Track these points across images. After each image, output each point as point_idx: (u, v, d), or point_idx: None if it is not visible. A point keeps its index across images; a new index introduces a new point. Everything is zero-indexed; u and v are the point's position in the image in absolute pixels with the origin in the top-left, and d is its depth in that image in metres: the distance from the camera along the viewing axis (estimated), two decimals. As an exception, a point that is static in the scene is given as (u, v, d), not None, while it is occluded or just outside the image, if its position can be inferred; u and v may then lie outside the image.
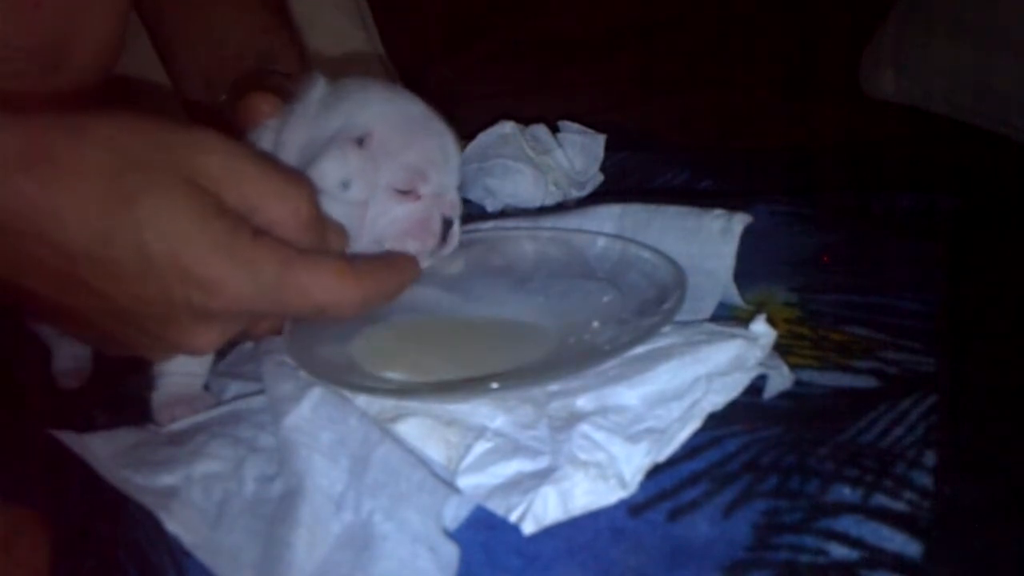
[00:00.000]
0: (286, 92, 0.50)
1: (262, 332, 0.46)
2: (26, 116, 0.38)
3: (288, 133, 0.47)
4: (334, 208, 0.46)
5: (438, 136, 0.48)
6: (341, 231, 0.45)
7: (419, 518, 0.37)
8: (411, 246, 0.48)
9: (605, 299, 0.49)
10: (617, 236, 0.53)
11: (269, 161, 0.43)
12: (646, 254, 0.50)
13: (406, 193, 0.47)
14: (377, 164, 0.46)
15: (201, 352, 0.43)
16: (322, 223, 0.43)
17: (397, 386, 0.44)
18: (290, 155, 0.47)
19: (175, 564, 0.38)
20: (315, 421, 0.40)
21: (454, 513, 0.38)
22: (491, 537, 0.37)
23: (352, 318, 0.46)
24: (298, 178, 0.43)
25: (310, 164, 0.45)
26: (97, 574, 0.39)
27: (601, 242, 0.53)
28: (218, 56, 0.63)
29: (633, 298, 0.48)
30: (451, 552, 0.36)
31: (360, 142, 0.46)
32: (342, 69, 0.50)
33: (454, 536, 0.37)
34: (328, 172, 0.45)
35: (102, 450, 0.41)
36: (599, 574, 0.36)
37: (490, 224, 0.58)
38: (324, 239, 0.44)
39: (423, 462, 0.39)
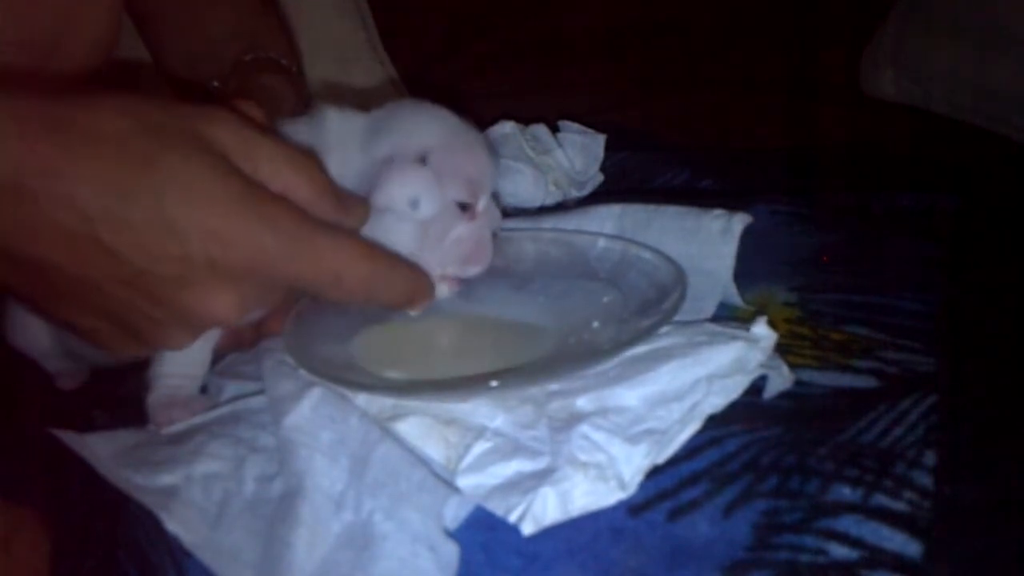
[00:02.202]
0: (277, 95, 0.50)
1: (270, 319, 0.46)
2: (38, 90, 0.38)
3: (334, 167, 0.46)
4: (401, 229, 0.46)
5: (485, 149, 0.49)
6: (360, 205, 0.45)
7: (419, 518, 0.37)
8: (471, 271, 0.48)
9: (605, 299, 0.49)
10: (617, 237, 0.53)
11: (277, 135, 0.43)
12: (646, 254, 0.50)
13: (465, 208, 0.47)
14: (441, 180, 0.46)
15: (221, 320, 0.40)
16: (337, 194, 0.43)
17: (397, 384, 0.44)
18: (346, 178, 0.46)
19: (175, 564, 0.38)
20: (315, 421, 0.40)
21: (454, 513, 0.38)
22: (491, 537, 0.37)
23: (355, 308, 0.46)
24: (307, 152, 0.44)
25: (374, 188, 0.45)
26: (97, 574, 0.39)
27: (601, 243, 0.53)
28: (204, 37, 0.63)
29: (633, 298, 0.48)
30: (451, 552, 0.36)
31: (423, 160, 0.46)
32: (357, 98, 0.50)
33: (454, 536, 0.37)
34: (395, 192, 0.45)
35: (102, 450, 0.41)
36: (599, 574, 0.36)
37: None
38: (340, 211, 0.43)
39: (423, 461, 0.39)
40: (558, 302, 0.51)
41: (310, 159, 0.42)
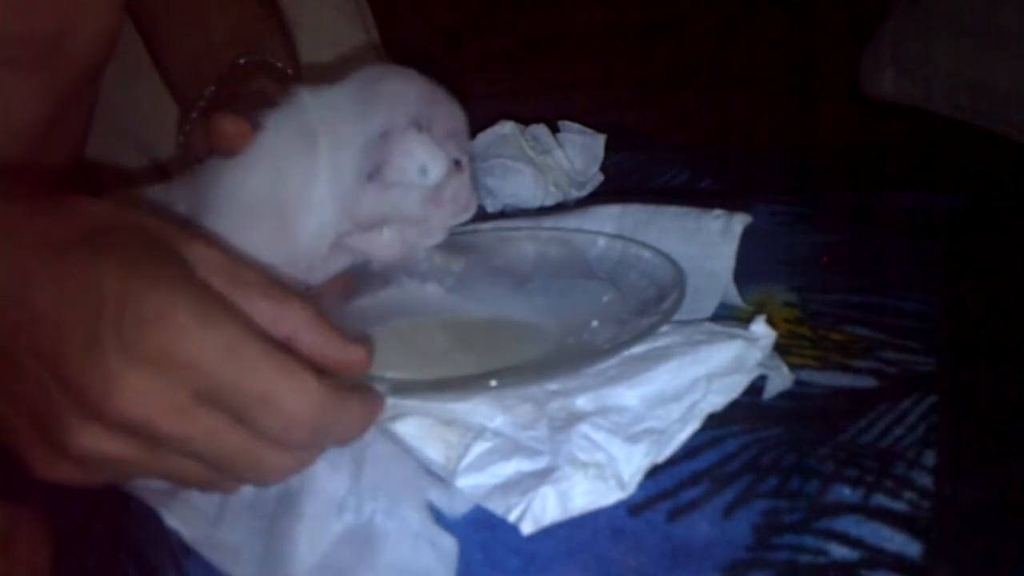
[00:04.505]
0: (268, 100, 0.50)
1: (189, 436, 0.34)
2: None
3: (329, 150, 0.47)
4: (408, 198, 0.47)
5: (457, 104, 0.49)
6: (363, 346, 0.39)
7: (417, 516, 0.37)
8: (463, 216, 0.49)
9: (605, 299, 0.49)
10: (618, 236, 0.53)
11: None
12: (646, 254, 0.50)
13: (458, 164, 0.48)
14: (439, 142, 0.47)
15: (121, 413, 0.32)
16: (333, 332, 0.38)
17: (396, 384, 0.44)
18: (345, 161, 0.47)
19: (175, 564, 0.38)
20: None
21: (448, 503, 0.38)
22: (490, 537, 0.37)
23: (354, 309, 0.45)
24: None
25: (381, 165, 0.46)
26: (97, 574, 0.39)
27: (601, 242, 0.53)
28: (205, 44, 0.62)
29: (633, 298, 0.48)
30: (451, 545, 0.36)
31: (418, 127, 0.47)
32: (339, 71, 0.50)
33: (453, 531, 0.37)
34: (403, 164, 0.46)
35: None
36: (599, 574, 0.36)
37: (490, 224, 0.58)
38: (339, 347, 0.38)
39: (410, 455, 0.39)
40: (557, 302, 0.51)
41: (302, 293, 0.40)
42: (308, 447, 0.36)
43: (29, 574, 0.39)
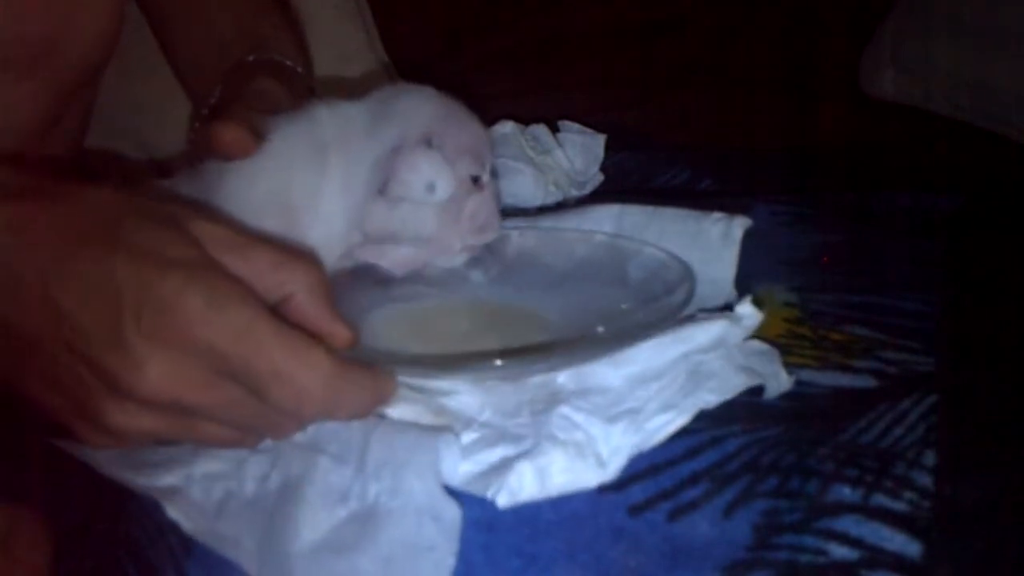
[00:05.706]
0: (271, 98, 0.50)
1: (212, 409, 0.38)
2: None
3: (339, 163, 0.47)
4: (419, 215, 0.47)
5: (477, 120, 0.50)
6: (350, 331, 0.41)
7: (421, 486, 0.37)
8: (486, 238, 0.49)
9: (624, 307, 0.49)
10: (666, 251, 0.51)
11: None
12: (675, 266, 0.49)
13: (476, 180, 0.48)
14: (450, 159, 0.47)
15: (148, 392, 0.36)
16: (332, 306, 0.41)
17: (386, 355, 0.44)
18: (356, 174, 0.47)
19: (175, 564, 0.38)
20: (321, 432, 0.40)
21: (453, 463, 0.38)
22: (491, 538, 0.37)
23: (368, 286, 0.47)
24: (308, 251, 0.43)
25: (388, 179, 0.46)
26: (97, 574, 0.39)
27: (647, 251, 0.52)
28: (210, 41, 0.63)
29: (646, 310, 0.48)
30: (454, 516, 0.36)
31: (428, 143, 0.47)
32: (351, 86, 0.51)
33: (455, 496, 0.37)
34: (410, 180, 0.46)
35: (102, 454, 0.41)
36: (599, 574, 0.36)
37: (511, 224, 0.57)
38: (331, 322, 0.40)
39: (414, 424, 0.39)
40: (581, 304, 0.50)
41: (311, 257, 0.41)
42: (322, 419, 0.39)
43: (29, 574, 0.39)
